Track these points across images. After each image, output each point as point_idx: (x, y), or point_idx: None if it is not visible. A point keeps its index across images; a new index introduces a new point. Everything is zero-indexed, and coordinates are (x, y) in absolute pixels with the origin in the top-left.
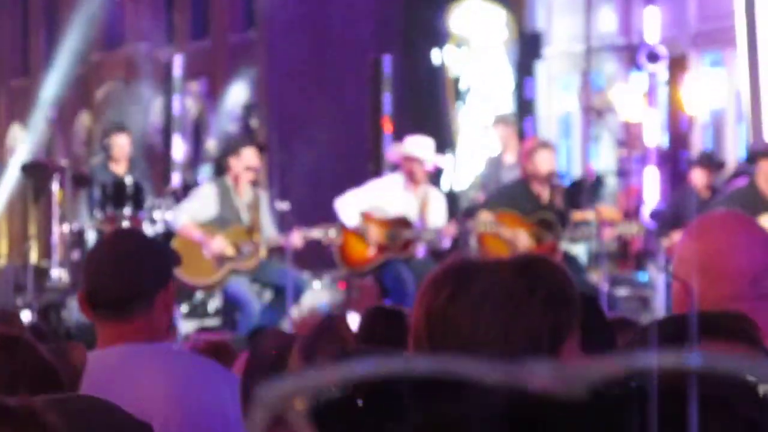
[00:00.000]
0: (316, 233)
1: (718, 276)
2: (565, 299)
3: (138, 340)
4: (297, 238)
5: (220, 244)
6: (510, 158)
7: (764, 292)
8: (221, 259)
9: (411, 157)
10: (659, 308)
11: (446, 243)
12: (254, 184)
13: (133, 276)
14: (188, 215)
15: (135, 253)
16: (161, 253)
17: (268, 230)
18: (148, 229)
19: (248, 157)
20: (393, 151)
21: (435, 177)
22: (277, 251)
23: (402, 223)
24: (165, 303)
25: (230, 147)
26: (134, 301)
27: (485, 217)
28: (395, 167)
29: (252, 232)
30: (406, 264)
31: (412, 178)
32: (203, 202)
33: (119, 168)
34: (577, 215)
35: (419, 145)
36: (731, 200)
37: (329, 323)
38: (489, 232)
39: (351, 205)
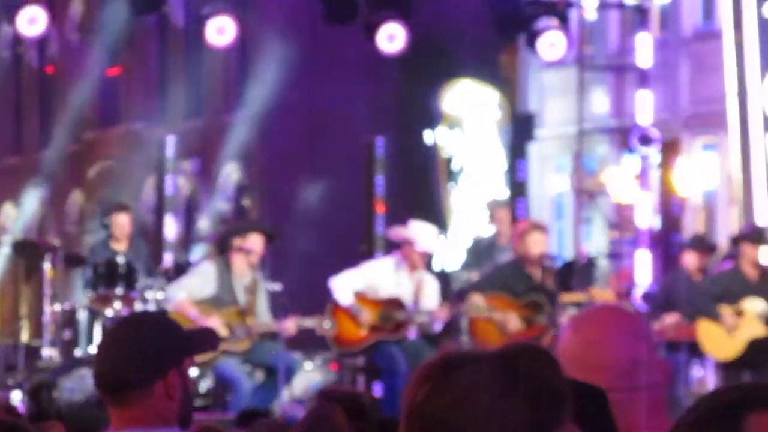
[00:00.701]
0: (309, 322)
1: (593, 369)
2: (552, 393)
3: (137, 427)
4: (291, 326)
5: (214, 323)
6: (503, 240)
7: (637, 383)
8: None
9: (413, 242)
10: None
11: (438, 326)
12: (253, 267)
13: (126, 363)
14: (186, 291)
15: (133, 338)
16: (168, 338)
17: (263, 315)
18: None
19: (254, 242)
20: (395, 232)
21: (427, 256)
22: (269, 333)
23: (395, 304)
24: (167, 391)
25: (237, 228)
26: (129, 389)
27: (477, 300)
28: (389, 249)
29: (247, 314)
30: (398, 345)
31: (409, 261)
32: (202, 280)
33: (120, 246)
34: (569, 297)
35: (423, 233)
36: (716, 283)
37: (322, 411)
38: (480, 316)
39: (345, 285)
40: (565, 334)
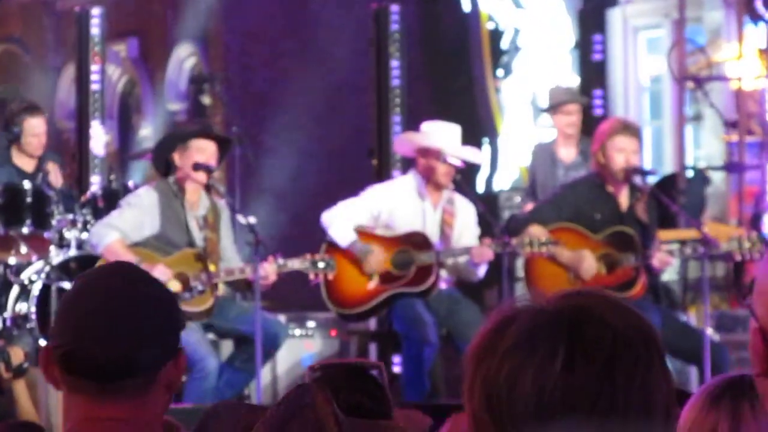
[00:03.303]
0: (298, 264)
1: None
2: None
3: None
4: (270, 270)
5: (160, 274)
6: (567, 152)
7: None
8: None
9: (429, 150)
10: None
11: (479, 271)
12: (210, 190)
13: (136, 337)
14: (118, 231)
15: (142, 303)
16: (174, 306)
17: (230, 257)
18: (56, 256)
19: (202, 151)
20: (404, 142)
21: (465, 177)
22: (241, 286)
23: (416, 242)
24: (170, 381)
25: (175, 135)
26: (131, 373)
27: (536, 233)
28: (407, 166)
29: (207, 259)
30: (424, 300)
31: (430, 179)
32: (140, 213)
33: (28, 165)
34: (668, 234)
35: (441, 134)
36: None
37: (303, 397)
38: (542, 255)
39: (344, 219)
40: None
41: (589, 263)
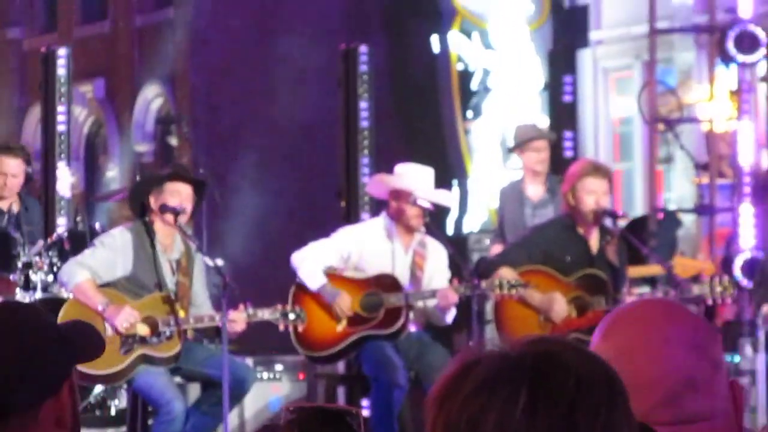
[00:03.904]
0: (268, 314)
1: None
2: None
3: None
4: (239, 319)
5: (128, 317)
6: (535, 190)
7: (686, 414)
8: (130, 340)
9: (401, 192)
10: (761, 403)
11: (446, 316)
12: (183, 233)
13: (5, 379)
14: (88, 270)
15: (10, 344)
16: (54, 340)
17: (201, 302)
18: (22, 299)
19: (177, 193)
20: (377, 184)
21: (434, 219)
22: (210, 332)
23: (385, 284)
24: (56, 415)
25: (150, 179)
26: (7, 416)
27: (506, 275)
28: (376, 207)
29: (176, 303)
30: (393, 343)
31: (401, 221)
32: (112, 255)
33: (4, 204)
34: (639, 270)
35: (413, 176)
36: None
37: None
38: (512, 298)
39: (313, 261)
40: (594, 341)
41: (560, 306)
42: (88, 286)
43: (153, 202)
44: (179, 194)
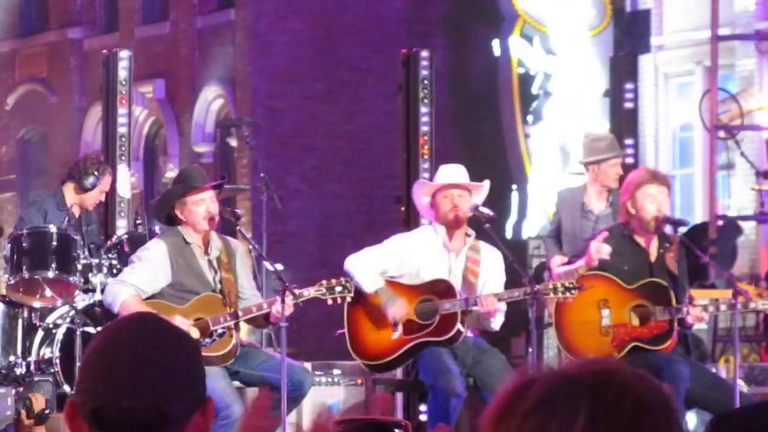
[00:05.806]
0: (313, 291)
1: None
2: None
3: None
4: (287, 302)
5: (180, 324)
6: (599, 203)
7: None
8: None
9: (442, 188)
10: None
11: (493, 323)
12: (244, 237)
13: (166, 389)
14: (132, 287)
15: (168, 354)
16: (198, 355)
17: (250, 295)
18: (81, 301)
19: (200, 202)
20: (420, 190)
21: (491, 223)
22: (259, 321)
23: (440, 290)
24: (203, 427)
25: (167, 198)
26: (162, 427)
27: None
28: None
29: (224, 300)
30: (450, 350)
31: (448, 218)
32: (151, 267)
33: (76, 209)
34: (702, 293)
35: (440, 172)
36: None
37: None
38: (566, 299)
39: (369, 265)
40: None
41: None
42: (133, 301)
43: (180, 213)
44: (203, 201)
